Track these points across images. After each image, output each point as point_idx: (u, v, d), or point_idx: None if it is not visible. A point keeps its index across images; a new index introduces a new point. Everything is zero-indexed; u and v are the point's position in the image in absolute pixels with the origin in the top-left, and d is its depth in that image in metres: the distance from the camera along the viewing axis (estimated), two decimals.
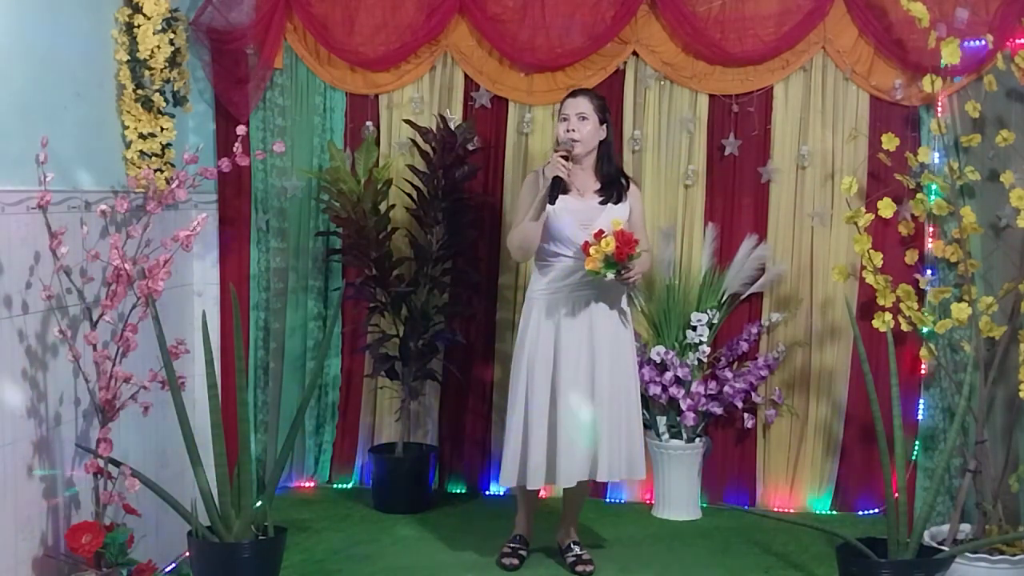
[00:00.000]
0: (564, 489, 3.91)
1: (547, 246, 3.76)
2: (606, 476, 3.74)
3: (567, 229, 3.70)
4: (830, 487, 4.63)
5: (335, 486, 4.92)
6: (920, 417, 4.49)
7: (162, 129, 4.18)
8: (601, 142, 3.82)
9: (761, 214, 4.64)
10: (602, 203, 3.77)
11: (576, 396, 3.68)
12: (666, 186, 4.68)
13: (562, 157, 3.65)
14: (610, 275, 3.52)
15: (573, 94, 3.85)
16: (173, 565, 4.01)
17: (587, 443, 3.69)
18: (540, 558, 4.00)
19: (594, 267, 3.50)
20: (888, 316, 4.11)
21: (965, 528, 4.01)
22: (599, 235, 3.52)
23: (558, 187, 3.63)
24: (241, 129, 3.79)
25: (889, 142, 4.16)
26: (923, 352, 4.34)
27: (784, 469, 4.67)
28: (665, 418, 4.50)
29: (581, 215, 3.72)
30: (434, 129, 4.53)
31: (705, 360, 4.55)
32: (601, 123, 3.80)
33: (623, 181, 3.86)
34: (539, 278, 3.82)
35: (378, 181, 4.55)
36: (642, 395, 4.51)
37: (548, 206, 3.66)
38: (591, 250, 3.50)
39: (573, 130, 3.74)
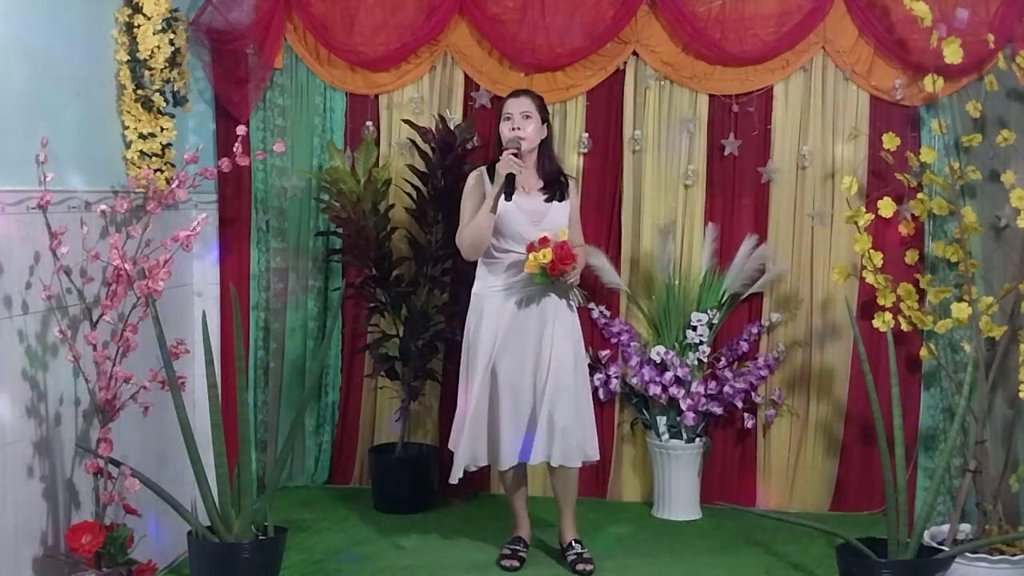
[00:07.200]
0: (553, 484, 3.96)
1: (496, 243, 3.82)
2: (560, 460, 3.76)
3: (518, 226, 3.79)
4: (830, 487, 4.62)
5: (335, 486, 4.92)
6: (920, 417, 4.49)
7: (162, 129, 4.17)
8: (542, 141, 3.90)
9: (761, 214, 4.64)
10: (547, 201, 3.87)
11: (537, 391, 3.75)
12: (666, 186, 4.67)
13: (512, 155, 3.73)
14: (542, 280, 3.70)
15: (515, 94, 3.94)
16: (173, 565, 4.00)
17: (544, 432, 3.73)
18: (540, 557, 4.00)
19: (531, 270, 3.69)
20: (888, 316, 4.11)
21: (965, 528, 4.00)
22: (544, 242, 3.67)
23: (512, 184, 3.71)
24: (241, 129, 3.79)
25: (890, 142, 4.16)
26: (923, 352, 4.34)
27: (784, 469, 4.66)
28: (665, 418, 4.50)
29: (531, 212, 3.82)
30: (434, 129, 4.53)
31: (705, 360, 4.54)
32: (542, 122, 3.89)
33: (563, 179, 3.95)
34: (488, 275, 3.88)
35: (378, 181, 4.55)
36: (642, 395, 4.54)
37: (503, 202, 3.74)
38: (530, 256, 3.67)
39: (518, 127, 3.82)
